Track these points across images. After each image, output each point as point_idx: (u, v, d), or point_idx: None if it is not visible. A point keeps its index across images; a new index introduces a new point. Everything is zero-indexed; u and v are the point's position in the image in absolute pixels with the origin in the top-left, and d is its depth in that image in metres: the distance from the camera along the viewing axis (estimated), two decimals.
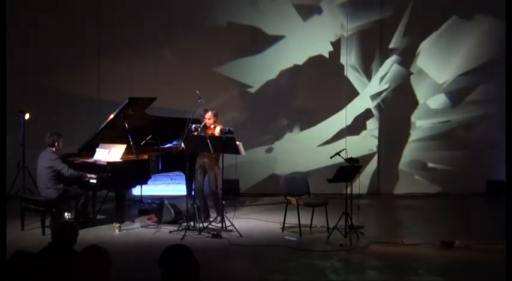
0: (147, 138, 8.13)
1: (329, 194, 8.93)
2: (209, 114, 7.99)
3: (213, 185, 7.96)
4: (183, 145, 7.74)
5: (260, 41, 10.34)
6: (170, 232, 7.50)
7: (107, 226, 7.85)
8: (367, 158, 10.24)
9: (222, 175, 7.79)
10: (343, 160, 7.37)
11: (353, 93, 10.41)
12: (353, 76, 10.39)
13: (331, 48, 10.34)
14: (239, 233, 7.32)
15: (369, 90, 10.42)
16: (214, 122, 7.98)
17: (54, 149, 7.58)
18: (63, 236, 3.92)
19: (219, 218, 7.64)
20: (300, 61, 10.37)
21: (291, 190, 7.79)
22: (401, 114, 10.47)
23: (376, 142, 10.44)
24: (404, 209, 9.27)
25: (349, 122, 10.40)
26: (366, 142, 10.43)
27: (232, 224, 7.48)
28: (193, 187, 8.01)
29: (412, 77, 10.39)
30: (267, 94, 10.38)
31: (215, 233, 7.30)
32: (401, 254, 6.60)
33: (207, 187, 8.13)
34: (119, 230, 7.55)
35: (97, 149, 7.80)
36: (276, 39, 10.33)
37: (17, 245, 5.50)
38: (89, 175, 7.57)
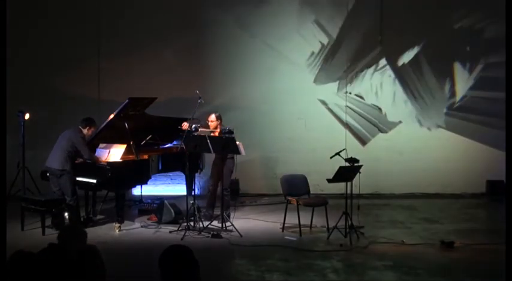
0: (147, 139, 8.13)
1: (329, 194, 8.95)
2: (212, 116, 8.01)
3: (224, 182, 8.02)
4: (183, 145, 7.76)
5: (260, 40, 10.35)
6: (170, 232, 7.50)
7: (107, 226, 7.86)
8: (367, 157, 10.23)
9: (230, 174, 8.02)
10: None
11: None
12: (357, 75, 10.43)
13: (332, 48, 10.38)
14: (239, 233, 7.32)
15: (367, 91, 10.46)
16: (218, 125, 8.00)
17: (84, 130, 7.62)
18: (69, 242, 3.90)
19: (225, 214, 7.69)
20: (301, 60, 10.39)
21: (291, 190, 7.78)
22: (401, 113, 10.50)
23: (376, 141, 10.47)
24: (404, 209, 9.27)
25: (349, 121, 10.43)
26: (366, 141, 10.46)
27: (232, 224, 7.49)
28: (194, 187, 8.01)
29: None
30: (268, 94, 10.38)
31: (215, 233, 7.30)
32: (401, 254, 6.59)
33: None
34: (119, 230, 7.55)
35: (97, 149, 7.80)
36: (277, 38, 10.35)
37: (17, 245, 5.50)
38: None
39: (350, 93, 10.39)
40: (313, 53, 10.41)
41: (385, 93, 10.47)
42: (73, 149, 7.52)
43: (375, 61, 10.42)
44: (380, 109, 10.46)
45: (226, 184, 8.06)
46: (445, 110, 10.50)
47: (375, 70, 10.43)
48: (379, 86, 10.45)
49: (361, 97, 10.42)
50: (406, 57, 10.41)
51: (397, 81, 10.44)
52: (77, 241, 3.85)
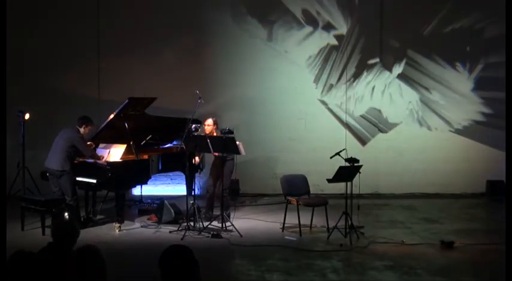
0: (147, 138, 8.13)
1: (329, 194, 8.95)
2: (210, 121, 8.01)
3: (224, 183, 8.00)
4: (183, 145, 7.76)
5: (260, 40, 10.36)
6: (170, 232, 7.50)
7: (107, 226, 7.86)
8: (367, 157, 10.23)
9: (230, 175, 8.02)
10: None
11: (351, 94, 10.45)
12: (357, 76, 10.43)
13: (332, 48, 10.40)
14: (239, 233, 7.32)
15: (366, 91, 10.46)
16: (214, 130, 8.00)
17: (81, 129, 7.60)
18: (63, 237, 3.92)
19: (225, 214, 7.70)
20: (301, 61, 10.40)
21: (291, 190, 7.78)
22: (401, 113, 10.50)
23: (376, 141, 10.47)
24: (404, 209, 9.27)
25: (349, 122, 10.44)
26: (366, 141, 10.47)
27: (232, 224, 7.49)
28: (194, 187, 8.01)
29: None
30: (268, 94, 10.38)
31: (215, 233, 7.30)
32: (401, 254, 6.59)
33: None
34: (119, 230, 7.55)
35: (97, 149, 7.80)
36: (277, 39, 10.36)
37: (17, 245, 5.50)
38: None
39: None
40: (313, 53, 10.40)
41: (385, 93, 10.45)
42: (72, 149, 7.53)
43: (375, 62, 10.41)
44: (380, 111, 10.46)
45: (226, 184, 8.05)
46: (445, 110, 10.49)
47: (376, 71, 10.41)
48: (379, 86, 10.44)
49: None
50: (406, 57, 10.41)
51: (397, 82, 10.44)
52: (70, 238, 3.87)
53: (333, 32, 10.37)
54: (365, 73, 10.41)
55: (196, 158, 8.09)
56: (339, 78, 10.41)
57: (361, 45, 10.39)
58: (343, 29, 10.35)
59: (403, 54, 10.42)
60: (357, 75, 10.42)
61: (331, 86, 10.42)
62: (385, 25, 10.34)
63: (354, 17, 10.37)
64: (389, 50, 10.40)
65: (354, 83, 10.42)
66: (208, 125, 8.04)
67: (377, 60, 10.38)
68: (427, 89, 10.45)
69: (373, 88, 10.43)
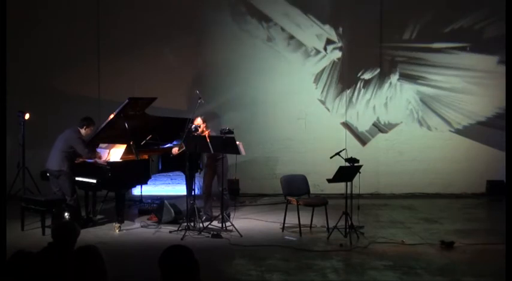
0: (147, 138, 8.13)
1: (329, 194, 8.96)
2: (199, 120, 7.98)
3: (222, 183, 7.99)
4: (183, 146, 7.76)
5: (261, 40, 10.36)
6: (170, 232, 7.50)
7: (107, 226, 7.86)
8: (367, 157, 10.23)
9: (226, 174, 8.00)
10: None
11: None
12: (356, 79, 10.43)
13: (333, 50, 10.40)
14: (239, 233, 7.33)
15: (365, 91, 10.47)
16: (204, 128, 7.98)
17: (82, 130, 7.63)
18: (63, 237, 3.92)
19: (225, 214, 7.70)
20: (301, 61, 10.39)
21: (291, 190, 7.78)
22: (401, 113, 10.50)
23: (376, 141, 10.48)
24: (404, 209, 9.27)
25: (349, 121, 10.44)
26: (366, 141, 10.47)
27: (232, 224, 7.49)
28: (194, 187, 8.00)
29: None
30: (268, 94, 10.38)
31: (215, 233, 7.31)
32: (401, 254, 6.59)
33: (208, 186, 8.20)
34: (119, 230, 7.55)
35: (97, 149, 7.80)
36: (277, 38, 10.36)
37: (17, 245, 5.51)
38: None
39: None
40: (313, 53, 10.40)
41: (385, 93, 10.45)
42: (70, 150, 7.55)
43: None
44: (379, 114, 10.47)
45: (224, 183, 8.03)
46: (445, 110, 10.49)
47: (376, 80, 10.40)
48: (379, 87, 10.44)
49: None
50: (406, 57, 10.39)
51: (397, 83, 10.43)
52: (68, 234, 3.87)
53: (333, 32, 10.36)
54: (364, 80, 10.40)
55: (175, 149, 8.08)
56: (339, 82, 10.41)
57: (360, 50, 10.38)
58: (343, 28, 10.35)
59: (403, 53, 10.40)
60: (356, 82, 10.41)
61: (332, 88, 10.43)
62: (385, 22, 10.32)
63: (354, 17, 10.37)
64: (388, 54, 10.38)
65: (355, 90, 10.41)
66: (198, 124, 8.02)
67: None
68: (426, 88, 10.43)
69: (373, 93, 10.42)
